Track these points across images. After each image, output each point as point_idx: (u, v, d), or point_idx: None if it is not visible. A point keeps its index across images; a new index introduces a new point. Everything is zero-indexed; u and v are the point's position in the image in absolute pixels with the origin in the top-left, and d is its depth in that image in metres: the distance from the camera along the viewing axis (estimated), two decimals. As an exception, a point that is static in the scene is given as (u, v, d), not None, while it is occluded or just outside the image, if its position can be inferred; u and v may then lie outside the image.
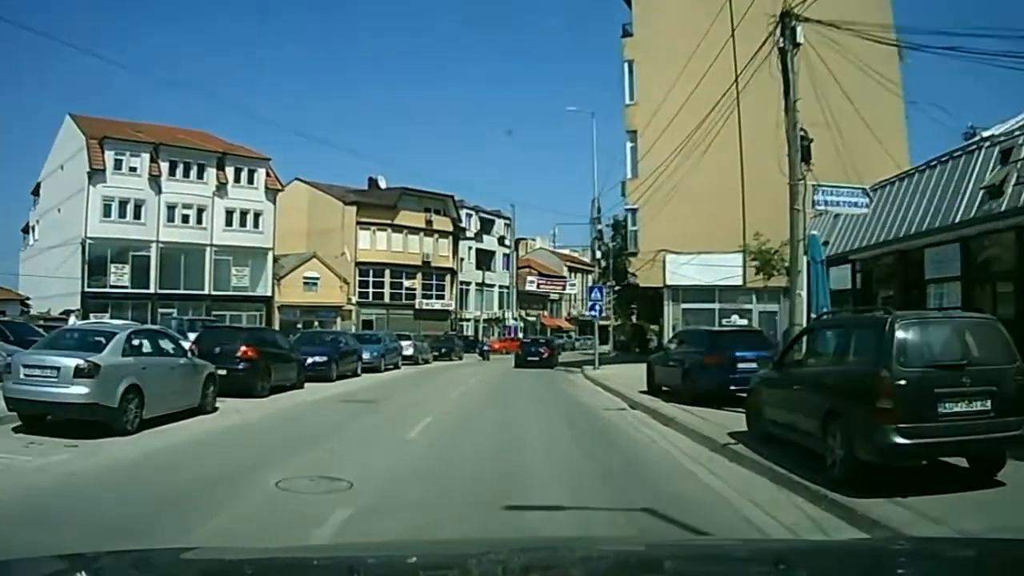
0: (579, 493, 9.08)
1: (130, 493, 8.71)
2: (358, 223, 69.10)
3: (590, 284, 53.35)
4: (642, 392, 21.26)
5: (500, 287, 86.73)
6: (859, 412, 8.32)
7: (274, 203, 62.22)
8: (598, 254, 47.51)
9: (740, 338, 19.91)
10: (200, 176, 58.78)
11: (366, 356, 32.27)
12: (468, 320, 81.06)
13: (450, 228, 76.48)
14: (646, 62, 39.27)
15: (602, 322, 43.50)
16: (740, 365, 17.42)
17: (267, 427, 15.05)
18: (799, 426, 9.85)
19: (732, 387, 17.32)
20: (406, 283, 71.86)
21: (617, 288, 52.29)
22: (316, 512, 7.69)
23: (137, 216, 56.00)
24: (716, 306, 37.73)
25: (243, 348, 20.07)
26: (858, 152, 24.78)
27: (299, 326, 53.06)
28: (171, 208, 57.35)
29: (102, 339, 13.52)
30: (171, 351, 15.41)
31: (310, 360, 25.44)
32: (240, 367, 19.63)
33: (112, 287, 54.88)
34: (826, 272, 15.35)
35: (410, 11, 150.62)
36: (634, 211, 39.85)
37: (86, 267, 54.22)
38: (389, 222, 70.66)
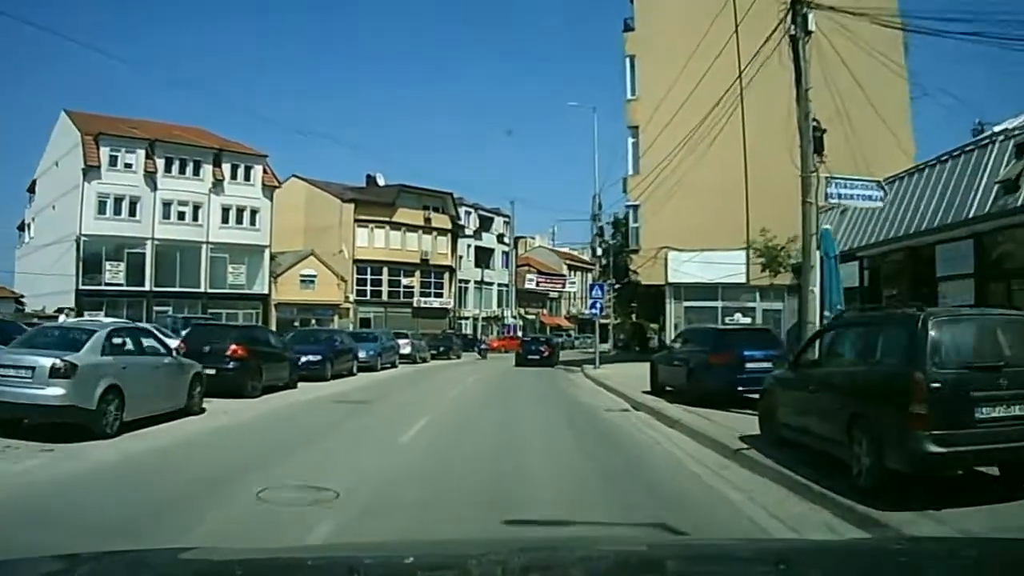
0: (583, 503, 8.48)
1: (91, 506, 8.03)
2: (356, 220, 68.52)
3: (590, 282, 52.71)
4: (645, 392, 20.61)
5: (499, 285, 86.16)
6: (889, 418, 7.65)
7: (271, 200, 61.64)
8: (599, 251, 46.89)
9: (748, 337, 19.21)
10: (196, 173, 58.19)
11: (362, 355, 31.59)
12: (467, 318, 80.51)
13: (449, 226, 75.87)
14: (648, 57, 38.65)
15: (602, 321, 42.89)
16: (748, 365, 16.79)
17: (254, 429, 14.39)
18: (819, 431, 9.19)
19: (740, 388, 16.72)
20: (404, 281, 71.24)
21: (617, 286, 51.66)
22: (298, 528, 7.09)
23: (132, 213, 55.40)
24: (719, 304, 37.05)
25: (233, 347, 19.41)
26: (866, 144, 24.11)
27: (296, 324, 52.59)
28: (167, 205, 56.76)
29: (80, 337, 12.87)
30: (154, 350, 14.74)
31: (304, 359, 24.80)
32: (230, 366, 18.98)
33: (107, 285, 54.28)
34: (839, 268, 14.64)
35: (410, 11, 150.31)
36: (635, 208, 39.20)
37: (81, 264, 53.56)
38: (387, 219, 70.05)
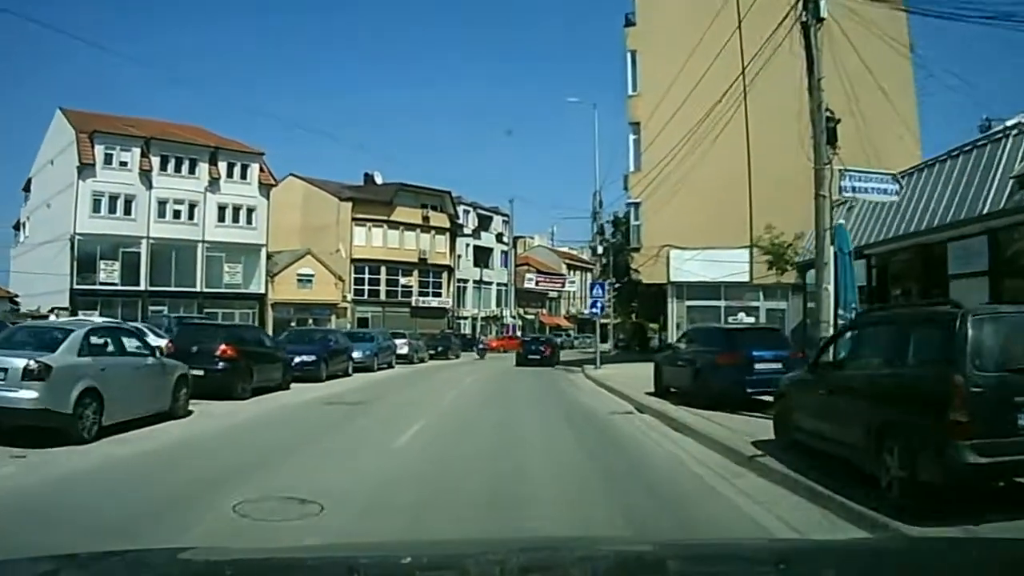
0: (589, 521, 7.81)
1: (56, 519, 7.38)
2: (353, 219, 68.01)
3: (590, 282, 52.09)
4: (648, 394, 19.97)
5: (498, 285, 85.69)
6: (924, 426, 6.99)
7: (267, 198, 61.20)
8: (599, 249, 46.25)
9: (756, 336, 18.48)
10: (192, 171, 57.77)
11: (358, 355, 30.91)
12: (465, 318, 80.00)
13: (447, 224, 75.31)
14: (649, 52, 38.02)
15: (602, 320, 42.32)
16: (757, 366, 16.14)
17: (240, 434, 13.68)
18: (842, 438, 8.51)
19: (748, 389, 16.08)
20: (402, 280, 70.77)
21: (617, 285, 51.03)
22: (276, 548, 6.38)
23: (127, 212, 54.96)
24: (722, 303, 36.45)
25: (222, 347, 18.76)
26: (875, 137, 23.51)
27: (293, 324, 52.11)
28: (162, 203, 56.31)
29: (57, 338, 12.21)
30: (136, 350, 14.08)
31: (297, 359, 24.15)
32: (219, 367, 18.36)
33: (102, 284, 53.87)
34: (854, 265, 13.98)
35: (410, 11, 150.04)
36: (636, 205, 38.55)
37: (75, 263, 53.09)
38: (385, 218, 69.54)
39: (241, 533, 6.92)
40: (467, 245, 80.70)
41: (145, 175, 55.22)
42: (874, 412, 7.75)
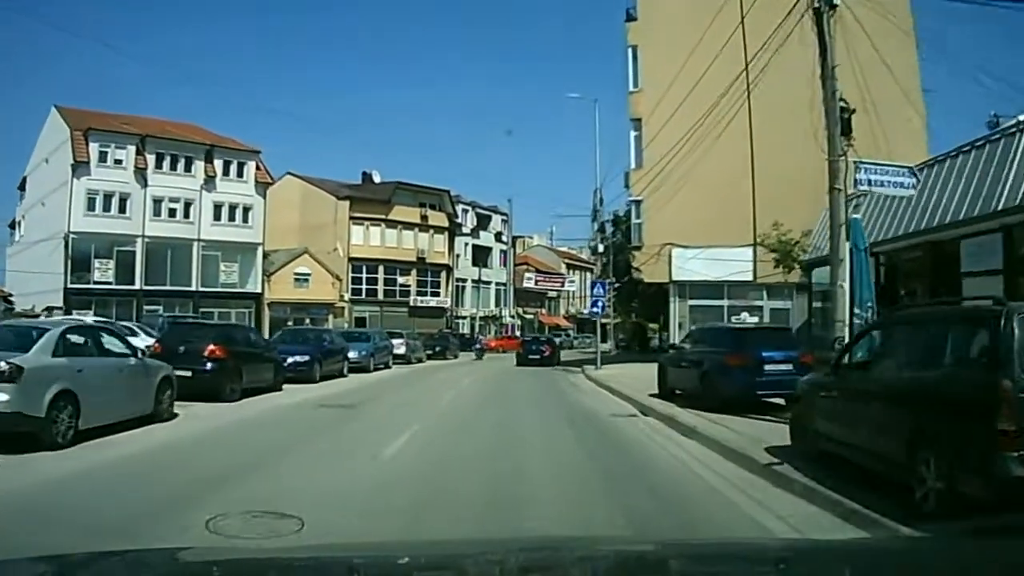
0: (592, 524, 7.28)
1: (16, 533, 6.68)
2: (351, 218, 67.46)
3: (590, 281, 51.47)
4: (652, 395, 19.32)
5: (497, 284, 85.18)
6: (965, 434, 6.32)
7: (264, 197, 60.53)
8: (600, 248, 45.62)
9: (766, 336, 17.74)
10: (187, 169, 57.09)
11: (353, 355, 30.24)
12: (464, 318, 79.44)
13: (446, 224, 74.71)
14: (651, 47, 37.40)
15: (603, 320, 41.77)
16: (767, 367, 15.50)
17: (225, 439, 12.99)
18: (869, 446, 7.84)
19: (758, 392, 15.46)
20: (400, 280, 70.22)
21: (617, 285, 50.41)
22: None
23: (122, 210, 54.30)
24: (725, 303, 35.82)
25: (210, 347, 18.07)
26: (883, 129, 22.86)
27: (289, 323, 51.61)
28: (157, 202, 55.61)
29: (31, 337, 11.55)
30: (117, 350, 13.40)
31: (291, 360, 23.51)
32: (207, 368, 17.69)
33: (96, 283, 53.19)
34: (870, 262, 13.34)
35: (410, 11, 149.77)
36: (638, 203, 37.89)
37: (69, 262, 52.43)
38: (383, 217, 68.98)
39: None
40: (466, 244, 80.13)
41: (140, 173, 54.57)
42: (907, 419, 7.08)
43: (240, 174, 59.27)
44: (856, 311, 12.71)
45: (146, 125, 56.99)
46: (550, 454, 11.78)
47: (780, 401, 15.92)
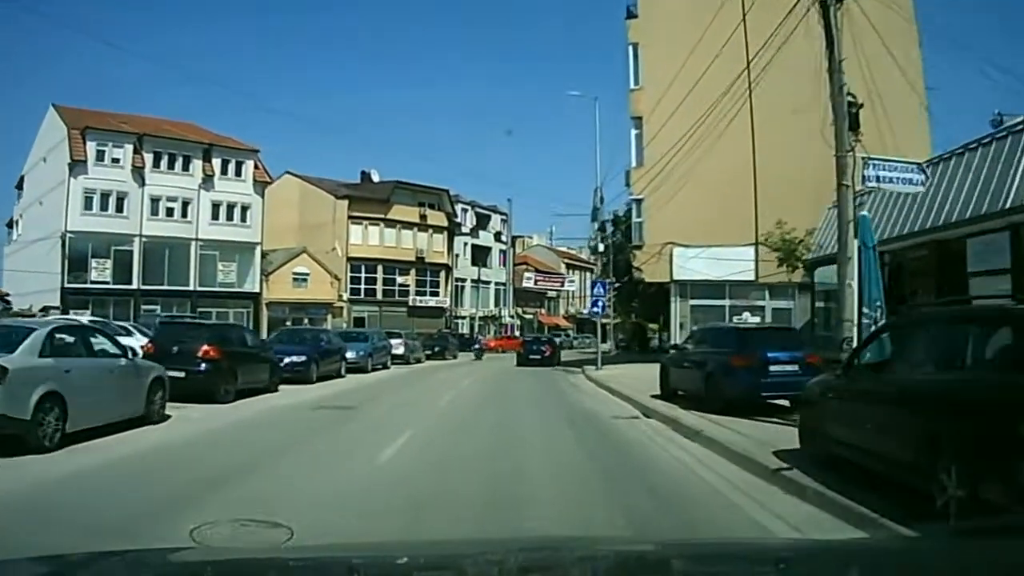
0: (594, 532, 6.88)
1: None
2: (350, 217, 67.20)
3: (591, 280, 51.13)
4: (654, 396, 18.98)
5: (496, 284, 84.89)
6: (989, 439, 5.99)
7: (262, 196, 60.20)
8: (601, 247, 45.29)
9: (771, 337, 17.36)
10: (185, 168, 56.75)
11: (351, 355, 29.88)
12: (463, 318, 79.14)
13: (445, 223, 74.41)
14: (651, 44, 37.13)
15: (603, 320, 41.48)
16: (772, 368, 15.16)
17: (217, 441, 12.63)
18: (884, 451, 7.49)
19: (763, 393, 15.12)
20: (399, 279, 69.93)
21: (617, 285, 50.09)
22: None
23: (120, 209, 53.98)
24: (726, 303, 35.50)
25: (203, 347, 17.71)
26: (895, 125, 22.57)
27: (288, 323, 51.36)
28: (155, 201, 55.27)
29: (16, 337, 11.20)
30: (106, 351, 13.07)
31: (287, 360, 23.20)
32: (200, 368, 17.36)
33: (93, 283, 52.79)
34: (878, 260, 13.00)
35: (410, 11, 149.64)
36: (639, 202, 37.57)
37: (66, 262, 52.07)
38: (382, 216, 68.69)
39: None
40: (465, 244, 79.84)
41: (138, 172, 54.25)
42: (925, 423, 6.73)
43: (238, 173, 58.96)
44: (865, 310, 12.38)
45: (144, 124, 56.70)
46: (550, 455, 11.49)
47: (785, 403, 15.69)
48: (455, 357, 51.05)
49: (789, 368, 15.10)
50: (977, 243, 20.02)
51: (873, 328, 12.31)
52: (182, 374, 16.43)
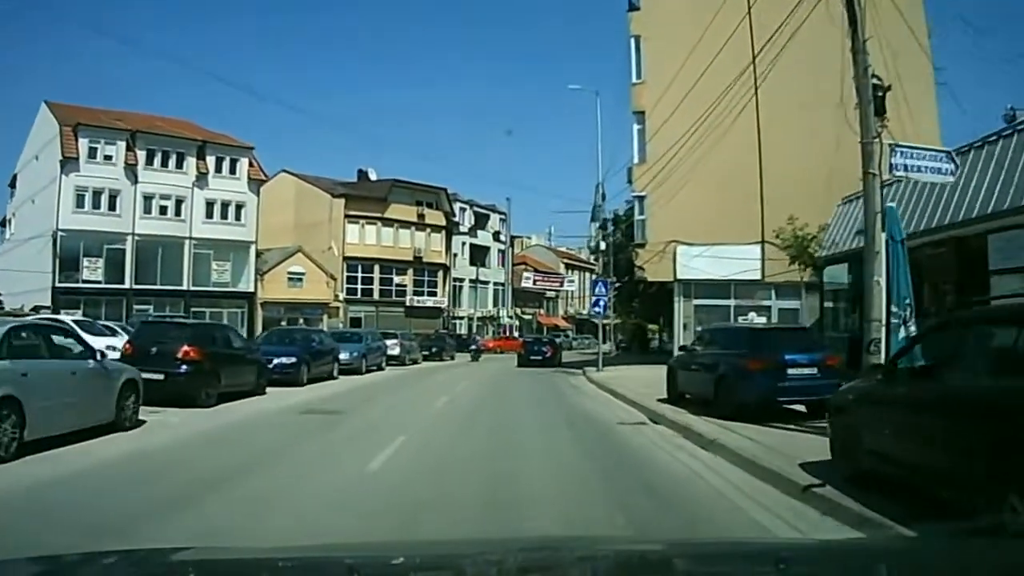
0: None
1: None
2: (346, 216, 66.31)
3: (591, 279, 50.24)
4: (660, 400, 18.02)
5: (495, 284, 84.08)
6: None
7: (257, 194, 59.34)
8: (602, 245, 44.37)
9: (788, 338, 16.25)
10: (179, 165, 55.85)
11: (344, 356, 28.93)
12: (462, 318, 78.23)
13: (443, 222, 73.49)
14: (654, 37, 36.14)
15: (603, 320, 40.63)
16: (790, 371, 14.20)
17: (191, 451, 11.60)
18: (939, 468, 6.51)
19: (780, 398, 14.17)
20: (396, 279, 69.05)
21: (617, 285, 49.22)
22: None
23: (112, 207, 53.11)
24: (731, 302, 34.50)
25: (184, 348, 16.73)
26: (908, 112, 21.62)
27: (283, 323, 50.44)
28: (148, 199, 54.36)
29: (-30, 338, 10.24)
30: (72, 352, 12.08)
31: (276, 361, 22.28)
32: (180, 370, 16.41)
33: (85, 282, 51.91)
34: (907, 254, 12.01)
35: (410, 11, 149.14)
36: (641, 199, 36.54)
37: (57, 261, 51.21)
38: (379, 215, 67.80)
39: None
40: (463, 243, 79.01)
41: (130, 169, 53.39)
42: (993, 436, 5.76)
43: (233, 171, 58.08)
44: (894, 309, 11.42)
45: (137, 121, 55.90)
46: (551, 469, 10.63)
47: (802, 408, 14.78)
48: (452, 358, 50.25)
49: (807, 371, 14.19)
50: (998, 239, 19.10)
51: (902, 328, 11.40)
52: (161, 376, 15.61)
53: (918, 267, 22.20)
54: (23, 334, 11.12)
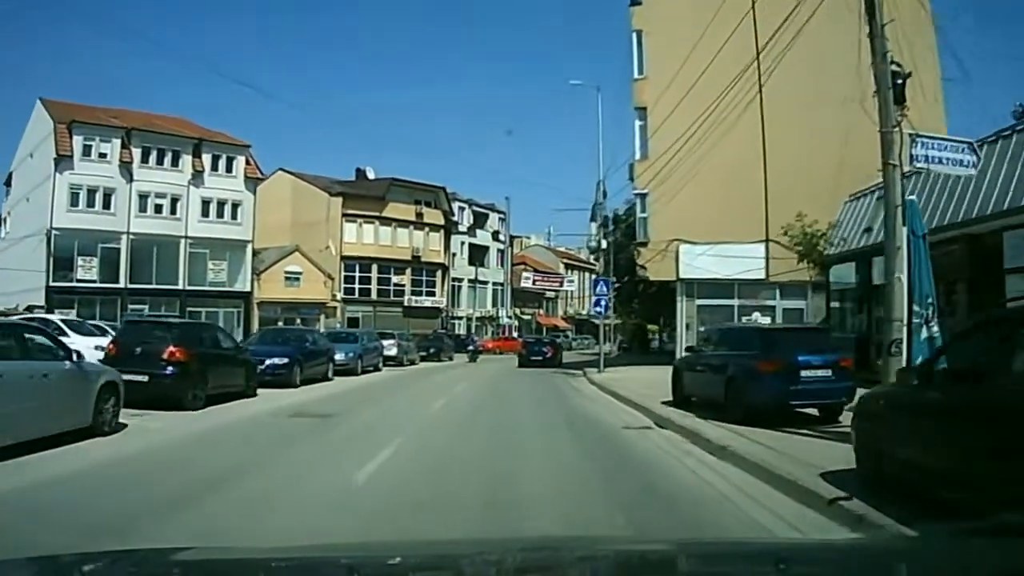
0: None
1: None
2: (344, 215, 65.69)
3: (592, 279, 49.57)
4: (665, 403, 17.38)
5: (494, 284, 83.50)
6: None
7: (254, 193, 58.71)
8: (603, 243, 43.73)
9: (801, 338, 15.52)
10: (175, 163, 55.22)
11: (340, 357, 28.29)
12: (460, 318, 77.62)
13: (441, 221, 72.85)
14: (656, 32, 35.44)
15: (604, 320, 40.07)
16: (804, 373, 13.52)
17: (172, 458, 10.91)
18: (990, 483, 5.84)
19: (793, 402, 13.54)
20: (394, 279, 68.41)
21: (618, 285, 48.65)
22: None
23: (106, 206, 52.50)
24: (735, 302, 33.81)
25: (170, 348, 16.05)
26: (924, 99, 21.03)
27: (280, 323, 49.94)
28: (143, 197, 53.75)
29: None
30: (45, 352, 11.40)
31: (268, 362, 21.63)
32: (166, 372, 15.75)
33: (79, 281, 51.28)
34: (928, 250, 11.39)
35: (410, 11, 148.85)
36: (643, 196, 35.84)
37: (51, 260, 50.62)
38: (377, 214, 67.19)
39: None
40: (462, 243, 78.38)
41: (125, 167, 52.76)
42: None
43: (229, 169, 57.49)
44: (915, 308, 10.82)
45: (132, 118, 55.33)
46: (553, 476, 10.04)
47: (813, 412, 14.16)
48: (451, 358, 49.67)
49: (822, 373, 13.55)
50: (1014, 236, 18.53)
51: (924, 328, 10.79)
52: (145, 378, 15.00)
53: (931, 264, 21.83)
54: (-9, 334, 10.46)
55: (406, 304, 68.06)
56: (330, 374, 26.48)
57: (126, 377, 13.43)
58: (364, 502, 8.31)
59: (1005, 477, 5.54)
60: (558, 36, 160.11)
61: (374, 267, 67.24)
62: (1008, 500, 5.50)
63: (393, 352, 38.31)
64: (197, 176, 55.59)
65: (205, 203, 56.17)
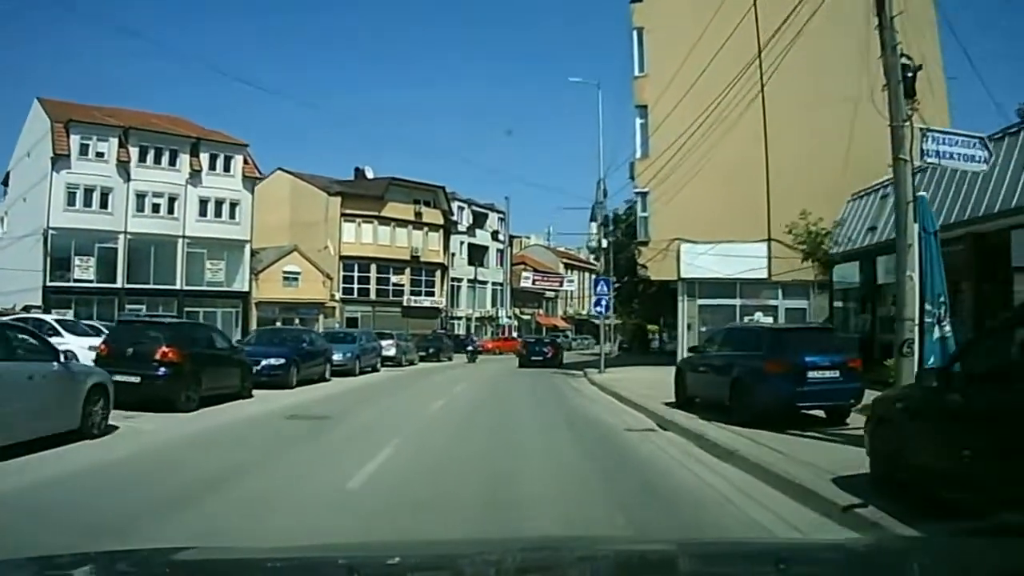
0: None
1: None
2: (343, 215, 65.37)
3: (592, 279, 49.28)
4: (667, 404, 17.07)
5: (493, 284, 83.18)
6: None
7: (252, 192, 58.35)
8: (604, 242, 43.43)
9: (808, 338, 15.14)
10: (172, 163, 54.87)
11: (337, 357, 27.96)
12: (460, 318, 77.29)
13: (441, 221, 72.51)
14: (658, 29, 35.12)
15: (604, 320, 39.80)
16: (811, 374, 13.22)
17: (160, 462, 10.55)
18: (1011, 488, 5.55)
19: (800, 403, 13.23)
20: (393, 279, 68.06)
21: (617, 285, 48.39)
22: None
23: (104, 205, 52.17)
24: (737, 302, 33.44)
25: (163, 348, 15.73)
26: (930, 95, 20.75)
27: (278, 324, 49.60)
28: (141, 197, 53.39)
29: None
30: (31, 352, 11.08)
31: (263, 363, 21.32)
32: (158, 373, 15.45)
33: (76, 281, 50.99)
34: (939, 247, 11.08)
35: (410, 11, 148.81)
36: (644, 195, 35.48)
37: (48, 260, 50.32)
38: (376, 214, 66.85)
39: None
40: (461, 243, 78.05)
41: (123, 167, 52.43)
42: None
43: (227, 168, 57.12)
44: (927, 307, 10.51)
45: (130, 117, 55.00)
46: (553, 479, 9.76)
47: (820, 413, 13.86)
48: (450, 359, 49.39)
49: (829, 374, 13.25)
50: (1021, 235, 18.21)
51: (936, 328, 10.49)
52: (137, 379, 14.74)
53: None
54: (-26, 334, 10.15)
55: (405, 304, 67.74)
56: (327, 375, 26.19)
57: (118, 378, 13.20)
58: (364, 502, 8.14)
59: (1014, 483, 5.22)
60: (558, 36, 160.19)
61: (373, 267, 66.91)
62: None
63: (392, 352, 38.03)
64: (195, 175, 55.27)
65: (203, 203, 55.81)
